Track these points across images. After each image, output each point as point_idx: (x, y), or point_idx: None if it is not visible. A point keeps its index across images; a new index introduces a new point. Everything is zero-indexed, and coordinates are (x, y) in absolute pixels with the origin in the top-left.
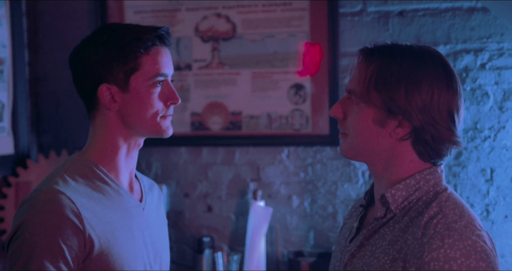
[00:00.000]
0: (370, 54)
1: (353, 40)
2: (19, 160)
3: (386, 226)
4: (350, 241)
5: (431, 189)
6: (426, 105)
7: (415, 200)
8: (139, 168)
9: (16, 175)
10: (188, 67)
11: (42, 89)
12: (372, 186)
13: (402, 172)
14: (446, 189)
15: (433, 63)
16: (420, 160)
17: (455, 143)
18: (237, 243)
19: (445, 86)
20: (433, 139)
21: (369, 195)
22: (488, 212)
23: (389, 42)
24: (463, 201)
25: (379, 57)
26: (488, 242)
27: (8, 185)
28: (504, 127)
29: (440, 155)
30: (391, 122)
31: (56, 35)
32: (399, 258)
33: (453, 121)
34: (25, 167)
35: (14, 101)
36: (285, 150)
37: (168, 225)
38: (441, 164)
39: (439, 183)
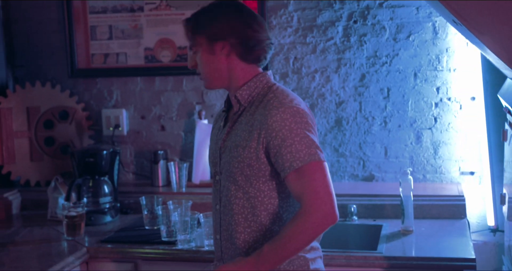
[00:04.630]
0: (189, 20)
1: None
2: None
3: (241, 116)
4: None
5: (265, 85)
6: (230, 27)
7: (256, 95)
8: (101, 95)
9: None
10: (141, 9)
11: (14, 28)
12: (228, 97)
13: (241, 79)
14: (275, 84)
15: (228, 5)
16: (248, 66)
17: (267, 46)
18: (186, 155)
19: (237, 16)
20: (249, 46)
21: (227, 103)
22: (386, 122)
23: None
24: (289, 90)
25: (192, 17)
26: (306, 109)
27: None
28: (397, 54)
29: (259, 59)
30: (216, 48)
31: None
32: (253, 129)
33: (256, 34)
34: (5, 96)
35: None
36: None
37: (128, 142)
38: (268, 70)
39: (270, 81)
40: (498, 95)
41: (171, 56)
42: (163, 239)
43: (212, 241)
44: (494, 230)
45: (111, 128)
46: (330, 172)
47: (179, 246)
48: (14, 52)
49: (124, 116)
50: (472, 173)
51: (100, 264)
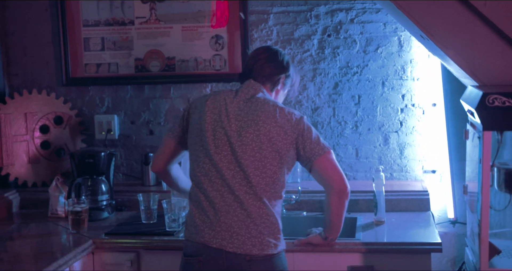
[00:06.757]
0: None
1: (258, 1)
2: None
3: None
4: None
5: None
6: None
7: None
8: (94, 102)
9: None
10: (131, 22)
11: (10, 41)
12: None
13: None
14: None
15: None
16: None
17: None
18: None
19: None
20: None
21: None
22: (357, 126)
23: None
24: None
25: None
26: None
27: None
28: (367, 65)
29: None
30: None
31: None
32: None
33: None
34: (4, 102)
35: None
36: (209, 86)
37: (119, 146)
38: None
39: None
40: (461, 100)
41: (160, 66)
42: (167, 229)
43: None
44: (454, 222)
45: (103, 133)
46: None
47: (179, 236)
48: (9, 62)
49: (115, 122)
50: (433, 171)
51: (105, 253)
